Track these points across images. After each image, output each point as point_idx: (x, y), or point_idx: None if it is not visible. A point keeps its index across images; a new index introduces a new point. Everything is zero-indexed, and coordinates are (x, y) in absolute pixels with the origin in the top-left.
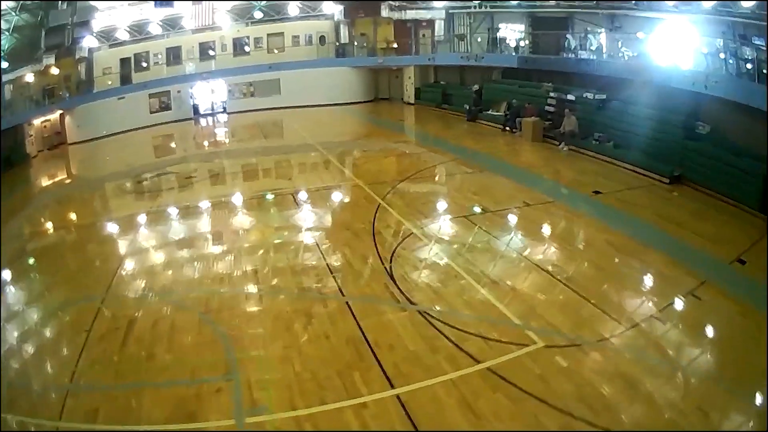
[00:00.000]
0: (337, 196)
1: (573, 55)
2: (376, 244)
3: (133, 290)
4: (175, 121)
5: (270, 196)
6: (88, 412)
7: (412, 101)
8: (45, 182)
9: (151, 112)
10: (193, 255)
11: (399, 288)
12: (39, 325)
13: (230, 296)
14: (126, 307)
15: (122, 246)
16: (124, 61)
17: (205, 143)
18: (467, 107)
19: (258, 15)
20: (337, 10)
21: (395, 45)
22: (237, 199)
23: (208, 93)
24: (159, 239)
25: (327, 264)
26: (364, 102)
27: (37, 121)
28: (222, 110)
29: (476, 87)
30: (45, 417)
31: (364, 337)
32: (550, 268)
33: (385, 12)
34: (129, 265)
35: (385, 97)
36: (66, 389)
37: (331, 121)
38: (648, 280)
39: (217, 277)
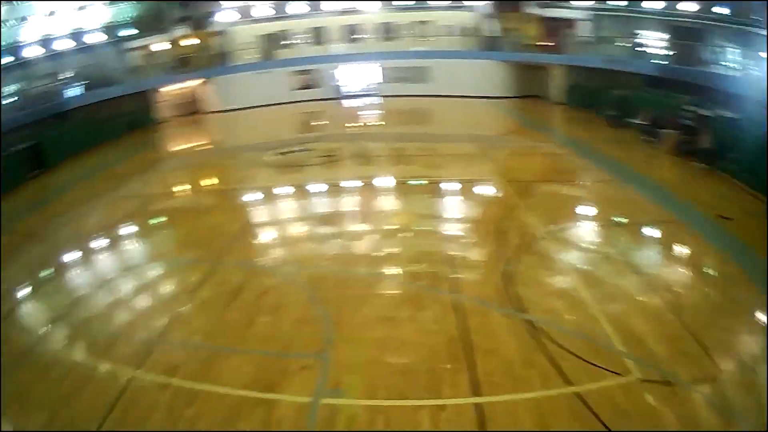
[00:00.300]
0: (475, 191)
1: (713, 69)
2: (502, 244)
3: (251, 259)
4: (319, 100)
5: (412, 182)
6: (168, 367)
7: (558, 101)
8: (174, 147)
9: (293, 90)
10: (316, 233)
11: (515, 292)
12: (147, 281)
13: (344, 278)
14: (239, 274)
15: (248, 215)
16: (264, 38)
17: (350, 124)
18: (609, 112)
19: (406, 2)
20: (484, 3)
21: (543, 42)
22: (373, 181)
23: (357, 75)
24: (287, 213)
25: (450, 257)
26: (512, 98)
27: (169, 89)
28: (373, 93)
29: (618, 92)
30: (129, 365)
31: (465, 338)
32: (667, 294)
33: (532, 8)
34: (252, 234)
35: (533, 94)
36: (155, 343)
37: (478, 113)
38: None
39: (335, 258)
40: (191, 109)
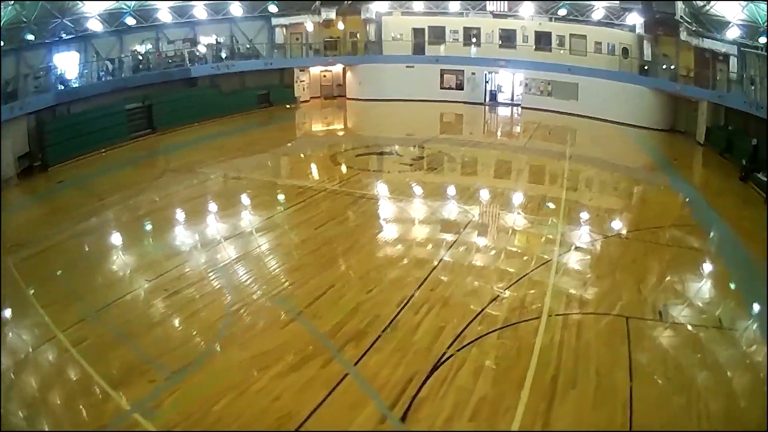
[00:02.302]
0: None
1: None
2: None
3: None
4: (466, 103)
5: (550, 205)
6: None
7: (702, 141)
8: (308, 127)
9: (441, 88)
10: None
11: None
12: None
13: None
14: None
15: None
16: (417, 32)
17: (498, 132)
18: (743, 163)
19: (562, 12)
20: (639, 23)
21: (693, 74)
22: (513, 197)
23: (506, 82)
24: (394, 213)
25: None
26: (657, 130)
27: (315, 70)
28: (518, 103)
29: (755, 141)
30: None
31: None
32: None
33: (683, 35)
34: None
35: (681, 129)
36: None
37: (619, 142)
38: None
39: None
40: (332, 93)
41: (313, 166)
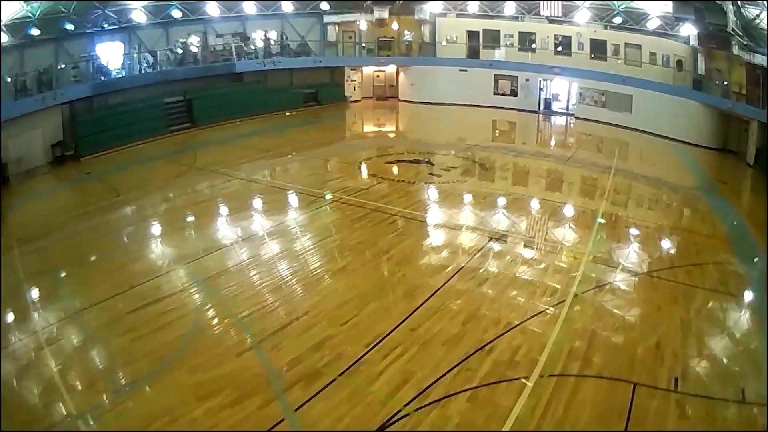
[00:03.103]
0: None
1: None
2: None
3: None
4: (519, 110)
5: (600, 220)
6: None
7: (751, 162)
8: (355, 128)
9: (495, 94)
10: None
11: None
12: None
13: None
14: None
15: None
16: (471, 34)
17: (551, 142)
18: None
19: (617, 20)
20: (693, 35)
21: (745, 91)
22: (566, 210)
23: (560, 90)
24: (401, 233)
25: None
26: (708, 148)
27: (369, 69)
28: (567, 113)
29: None
30: None
31: None
32: None
33: (735, 49)
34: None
35: (731, 149)
36: None
37: (670, 160)
38: None
39: None
40: (385, 94)
41: (338, 172)
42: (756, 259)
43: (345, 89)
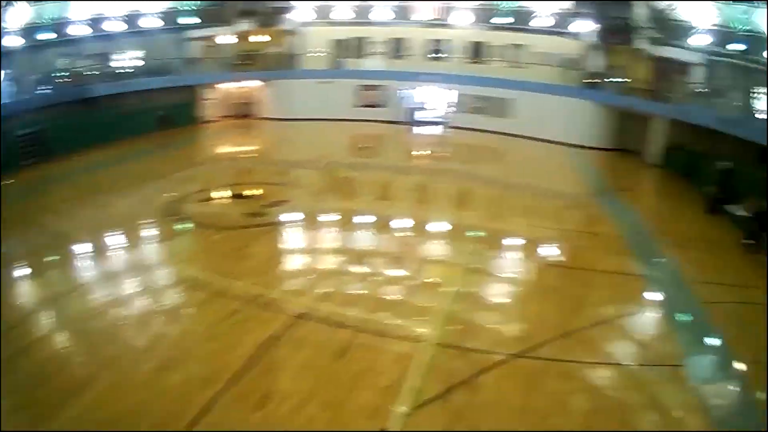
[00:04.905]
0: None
1: None
2: None
3: None
4: (386, 122)
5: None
6: None
7: (655, 162)
8: (205, 153)
9: (359, 106)
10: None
11: None
12: None
13: None
14: None
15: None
16: (338, 43)
17: (422, 153)
18: (709, 192)
19: (501, 20)
20: (589, 31)
21: (648, 87)
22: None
23: (432, 99)
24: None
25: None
26: (601, 149)
27: (226, 86)
28: (445, 122)
29: (726, 165)
30: None
31: None
32: None
33: (642, 44)
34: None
35: (628, 148)
36: None
37: (555, 164)
38: None
39: None
40: (244, 112)
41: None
42: (660, 260)
43: (203, 109)
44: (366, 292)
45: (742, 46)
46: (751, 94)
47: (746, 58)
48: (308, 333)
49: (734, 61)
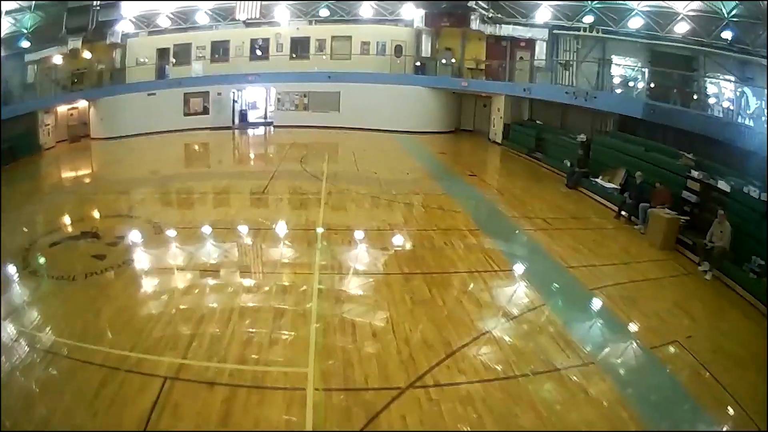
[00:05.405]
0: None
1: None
2: None
3: None
4: (213, 128)
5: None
6: None
7: (499, 140)
8: (40, 184)
9: (185, 115)
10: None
11: None
12: None
13: None
14: None
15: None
16: (162, 52)
17: (250, 157)
18: (569, 165)
19: (324, 13)
20: (417, 16)
21: (486, 67)
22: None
23: (256, 100)
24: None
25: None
26: (441, 133)
27: (62, 109)
28: (270, 122)
29: (583, 138)
30: None
31: None
32: None
33: (475, 24)
34: None
35: (468, 129)
36: None
37: (392, 153)
38: None
39: None
40: (83, 133)
41: None
42: (517, 232)
43: (39, 136)
44: (232, 332)
45: (590, 18)
46: (602, 66)
47: (597, 28)
48: (184, 398)
49: (581, 33)
